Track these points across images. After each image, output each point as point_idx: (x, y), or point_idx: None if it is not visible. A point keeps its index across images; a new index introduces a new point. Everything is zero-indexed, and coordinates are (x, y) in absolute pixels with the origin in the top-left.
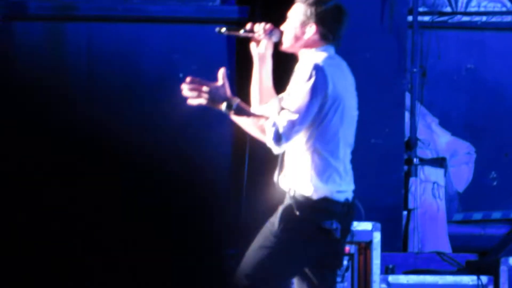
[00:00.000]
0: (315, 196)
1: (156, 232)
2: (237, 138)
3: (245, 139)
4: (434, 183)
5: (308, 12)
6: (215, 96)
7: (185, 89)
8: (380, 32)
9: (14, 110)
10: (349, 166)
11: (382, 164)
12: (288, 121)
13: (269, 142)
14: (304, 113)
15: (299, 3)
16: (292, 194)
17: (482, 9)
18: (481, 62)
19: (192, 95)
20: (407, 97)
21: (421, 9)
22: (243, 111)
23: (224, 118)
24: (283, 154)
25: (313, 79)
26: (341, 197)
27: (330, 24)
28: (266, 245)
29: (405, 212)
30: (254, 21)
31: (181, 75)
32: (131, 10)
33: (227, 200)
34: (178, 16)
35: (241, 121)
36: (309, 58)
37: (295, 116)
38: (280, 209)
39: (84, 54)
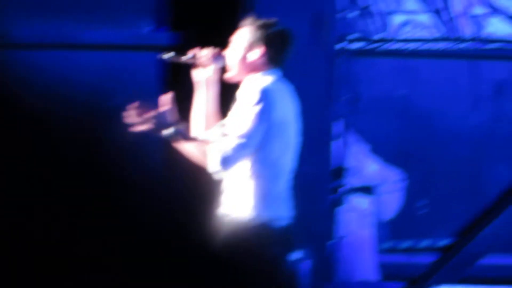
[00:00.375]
0: (255, 223)
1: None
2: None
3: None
4: (363, 211)
5: (256, 36)
6: (162, 122)
7: (130, 115)
8: (311, 59)
9: None
10: (289, 193)
11: (310, 192)
12: (235, 145)
13: (214, 167)
14: (251, 137)
15: (246, 27)
16: (231, 220)
17: (413, 36)
18: (412, 89)
19: (138, 122)
20: (338, 124)
21: (352, 36)
22: (188, 137)
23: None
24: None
25: (261, 103)
26: (281, 224)
27: (277, 47)
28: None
29: (333, 241)
30: (188, 48)
31: (114, 101)
32: (63, 37)
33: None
34: (111, 42)
35: (185, 148)
36: (256, 82)
37: (242, 140)
38: (226, 238)
39: (14, 82)
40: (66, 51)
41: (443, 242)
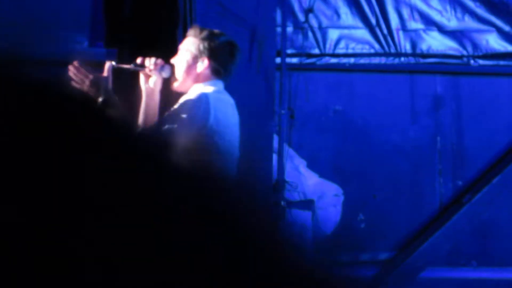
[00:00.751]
0: None
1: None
2: None
3: None
4: (301, 225)
5: (201, 47)
6: (96, 85)
7: (71, 71)
8: (248, 73)
9: None
10: None
11: (251, 206)
12: (158, 128)
13: None
14: (175, 134)
15: (191, 37)
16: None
17: (350, 51)
18: (349, 104)
19: (76, 79)
20: (275, 139)
21: (289, 51)
22: (117, 108)
23: None
24: None
25: (195, 106)
26: None
27: (222, 59)
28: None
29: None
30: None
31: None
32: None
33: None
34: (46, 58)
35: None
36: (197, 90)
37: (165, 127)
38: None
39: None
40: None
41: (383, 256)
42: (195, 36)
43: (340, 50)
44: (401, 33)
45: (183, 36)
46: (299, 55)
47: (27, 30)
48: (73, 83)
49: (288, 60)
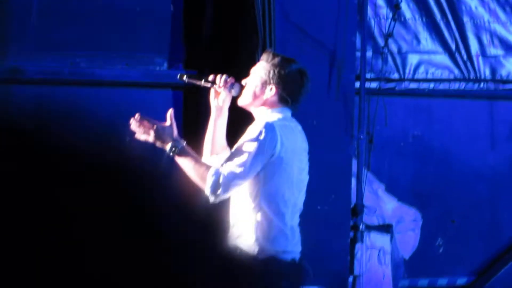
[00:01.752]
0: (261, 256)
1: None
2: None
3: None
4: (380, 249)
5: (271, 73)
6: (161, 135)
7: (133, 124)
8: (327, 98)
9: None
10: (297, 229)
11: (328, 230)
12: (229, 173)
13: (207, 191)
14: (248, 168)
15: (263, 62)
16: (239, 254)
17: (429, 76)
18: (427, 129)
19: (139, 131)
20: (354, 164)
21: (368, 76)
22: (187, 155)
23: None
24: (230, 213)
25: (262, 137)
26: (287, 257)
27: (291, 88)
28: None
29: (350, 278)
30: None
31: (127, 139)
32: (78, 74)
33: None
34: (125, 80)
35: (184, 165)
36: (263, 117)
37: (237, 170)
38: (233, 271)
39: (31, 117)
40: (80, 87)
41: (461, 281)
42: (266, 61)
43: (420, 75)
44: (480, 58)
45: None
46: (379, 79)
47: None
48: (138, 136)
49: (367, 84)
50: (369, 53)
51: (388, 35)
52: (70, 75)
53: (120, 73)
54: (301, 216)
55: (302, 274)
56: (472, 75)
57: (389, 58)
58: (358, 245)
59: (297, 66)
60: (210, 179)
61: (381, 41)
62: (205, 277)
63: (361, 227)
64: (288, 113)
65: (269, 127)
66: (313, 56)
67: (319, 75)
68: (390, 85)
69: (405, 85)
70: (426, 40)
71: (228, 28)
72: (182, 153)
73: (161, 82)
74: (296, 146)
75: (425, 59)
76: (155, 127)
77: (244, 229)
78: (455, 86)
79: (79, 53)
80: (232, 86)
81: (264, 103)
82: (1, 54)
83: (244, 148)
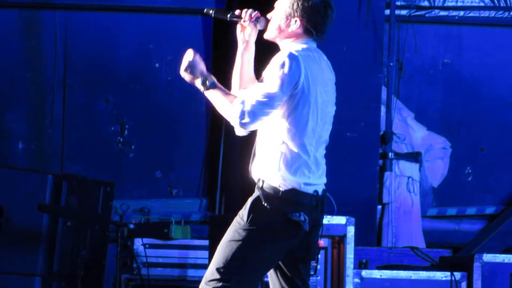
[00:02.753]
0: (283, 187)
1: None
2: (214, 124)
3: (220, 125)
4: (409, 177)
5: (295, 6)
6: (193, 68)
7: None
8: (357, 25)
9: None
10: (322, 161)
11: (357, 158)
12: (256, 101)
13: (235, 120)
14: (273, 97)
15: None
16: (260, 185)
17: (459, 4)
18: (457, 57)
19: (183, 65)
20: (383, 91)
21: (398, 3)
22: (217, 88)
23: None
24: (255, 144)
25: (286, 66)
26: (309, 190)
27: (315, 19)
28: (236, 238)
29: (379, 206)
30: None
31: (157, 65)
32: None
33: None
34: (154, 6)
35: (214, 99)
36: (287, 48)
37: (264, 99)
38: (249, 201)
39: (61, 42)
40: (109, 13)
41: (490, 210)
42: None
43: (450, 3)
44: None
45: None
46: (409, 7)
47: None
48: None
49: (397, 12)
50: None
51: None
52: (99, 0)
53: None
54: (330, 143)
55: (324, 208)
56: (502, 3)
57: None
58: (387, 173)
59: None
60: (237, 108)
61: None
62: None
63: (390, 155)
64: (313, 44)
65: (292, 57)
66: None
67: (349, 2)
68: (420, 12)
69: (435, 12)
70: None
71: None
72: (212, 86)
73: (189, 7)
74: (320, 76)
75: None
76: (191, 59)
77: (268, 160)
78: (485, 14)
79: None
80: (257, 20)
81: (289, 36)
82: None
83: (268, 78)
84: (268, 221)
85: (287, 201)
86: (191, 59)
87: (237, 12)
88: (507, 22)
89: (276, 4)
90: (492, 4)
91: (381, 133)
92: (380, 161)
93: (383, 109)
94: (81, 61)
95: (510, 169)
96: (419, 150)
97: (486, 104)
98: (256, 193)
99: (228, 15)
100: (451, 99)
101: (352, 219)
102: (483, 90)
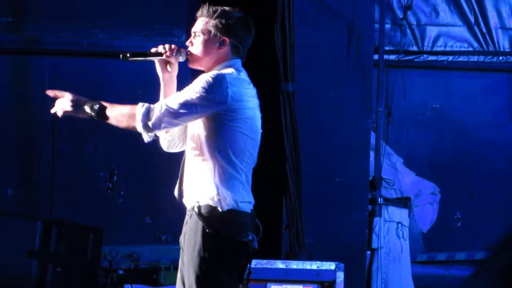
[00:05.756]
0: (223, 208)
1: None
2: None
3: None
4: (398, 223)
5: (219, 25)
6: (78, 101)
7: (57, 99)
8: (345, 70)
9: None
10: (250, 179)
11: (346, 203)
12: (166, 106)
13: (138, 125)
14: (189, 109)
15: (204, 17)
16: (197, 210)
17: (448, 49)
18: (446, 102)
19: (58, 105)
20: (372, 136)
21: (387, 48)
22: (108, 107)
23: None
24: (182, 167)
25: (212, 85)
26: (247, 208)
27: (241, 36)
28: (197, 269)
29: (368, 252)
30: None
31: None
32: (96, 45)
33: None
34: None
35: (110, 116)
36: (216, 71)
37: (176, 106)
38: (189, 229)
39: (49, 88)
40: (98, 59)
41: (479, 255)
42: (208, 15)
43: (438, 47)
44: (499, 31)
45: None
46: (397, 52)
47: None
48: (57, 111)
49: (386, 56)
50: (387, 25)
51: (407, 7)
52: (88, 46)
53: (139, 44)
54: (320, 188)
55: (258, 225)
56: (491, 48)
57: (408, 31)
58: (376, 219)
59: (239, 13)
60: (139, 111)
61: (400, 13)
62: None
63: (379, 200)
64: (239, 64)
65: (222, 78)
66: (332, 27)
67: (338, 47)
68: (409, 57)
69: (423, 57)
70: (445, 13)
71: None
72: (102, 108)
73: None
74: (250, 97)
75: (444, 32)
76: (71, 96)
77: (201, 183)
78: (474, 59)
79: (97, 24)
80: (178, 51)
81: (217, 57)
82: (19, 24)
83: (189, 91)
84: (220, 246)
85: (230, 221)
86: (66, 96)
87: (153, 50)
88: (495, 66)
89: (195, 30)
90: (480, 49)
91: (370, 178)
92: (369, 207)
93: (372, 154)
94: None
95: (500, 214)
96: (408, 195)
97: (475, 149)
98: (195, 218)
99: (147, 56)
100: (440, 144)
101: (342, 265)
102: (472, 134)
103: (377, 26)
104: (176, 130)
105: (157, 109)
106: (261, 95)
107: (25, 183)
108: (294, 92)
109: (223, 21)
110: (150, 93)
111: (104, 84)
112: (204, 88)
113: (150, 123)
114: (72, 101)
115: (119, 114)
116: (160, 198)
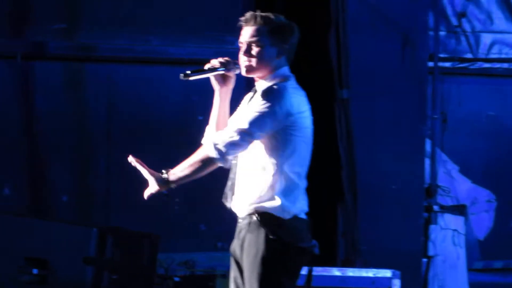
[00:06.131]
0: (285, 215)
1: None
2: None
3: None
4: (454, 230)
5: (271, 33)
6: (159, 178)
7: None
8: (401, 77)
9: (33, 149)
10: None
11: (402, 211)
12: (236, 128)
13: (217, 161)
14: (256, 126)
15: (254, 26)
16: (258, 217)
17: (503, 56)
18: (501, 109)
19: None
20: (428, 144)
21: (442, 55)
22: (179, 171)
23: None
24: (234, 178)
25: (277, 98)
26: (304, 215)
27: (290, 41)
28: (260, 275)
29: (424, 260)
30: None
31: (200, 117)
32: (149, 52)
33: None
34: (197, 58)
35: (188, 175)
36: (272, 82)
37: (245, 125)
38: (249, 237)
39: (104, 95)
40: (152, 66)
41: None
42: (256, 23)
43: (493, 55)
44: None
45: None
46: (452, 59)
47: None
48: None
49: (440, 64)
50: (442, 33)
51: (461, 14)
52: (142, 53)
53: (193, 51)
54: (376, 196)
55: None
56: None
57: (462, 38)
58: (432, 226)
59: (284, 19)
60: (209, 147)
61: (454, 21)
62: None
63: (435, 207)
64: (289, 70)
65: (283, 91)
66: (386, 35)
67: (392, 54)
68: (464, 64)
69: (478, 65)
70: (500, 20)
71: (300, 6)
72: (175, 176)
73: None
74: (303, 104)
75: (499, 39)
76: (151, 173)
77: (262, 193)
78: None
79: (151, 31)
80: (234, 64)
81: (273, 66)
82: (74, 31)
83: (256, 108)
84: (283, 254)
85: (293, 229)
86: (149, 175)
87: (212, 64)
88: None
89: (245, 40)
90: None
91: (426, 185)
92: (425, 214)
93: (427, 161)
94: (124, 113)
95: None
96: (464, 202)
97: None
98: (256, 227)
99: (207, 72)
100: (495, 151)
101: (398, 272)
102: None
103: (431, 33)
104: None
105: (226, 135)
106: (316, 102)
107: (80, 190)
108: (348, 99)
109: (275, 28)
110: (205, 99)
111: (159, 91)
112: (270, 102)
113: (224, 152)
114: (157, 180)
115: (193, 165)
116: (215, 206)
